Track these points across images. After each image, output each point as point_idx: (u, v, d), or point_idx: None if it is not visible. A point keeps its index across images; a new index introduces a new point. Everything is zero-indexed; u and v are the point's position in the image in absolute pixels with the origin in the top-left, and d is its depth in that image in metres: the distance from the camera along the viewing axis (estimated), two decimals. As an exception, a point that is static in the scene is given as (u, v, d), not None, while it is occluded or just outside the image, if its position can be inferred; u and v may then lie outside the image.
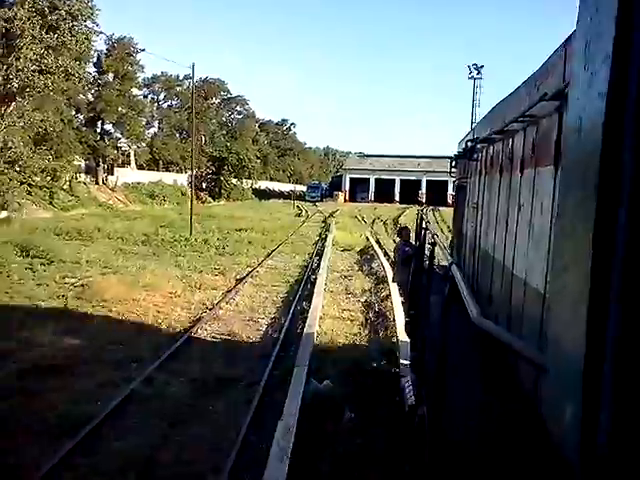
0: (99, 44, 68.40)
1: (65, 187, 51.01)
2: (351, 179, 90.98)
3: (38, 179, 44.49)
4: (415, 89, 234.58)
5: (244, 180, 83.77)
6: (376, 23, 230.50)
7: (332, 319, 13.18)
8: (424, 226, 7.23)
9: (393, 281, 12.55)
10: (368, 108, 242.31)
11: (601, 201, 1.01)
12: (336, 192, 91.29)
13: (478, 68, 56.74)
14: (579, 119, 1.17)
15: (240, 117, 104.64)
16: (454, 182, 11.59)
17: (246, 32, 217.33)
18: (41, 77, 41.93)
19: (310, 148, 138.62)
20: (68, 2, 43.18)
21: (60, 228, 28.97)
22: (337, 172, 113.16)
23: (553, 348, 1.28)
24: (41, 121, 44.47)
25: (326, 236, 32.85)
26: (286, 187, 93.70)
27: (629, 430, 0.97)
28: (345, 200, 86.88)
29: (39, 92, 42.25)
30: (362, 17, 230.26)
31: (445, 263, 5.06)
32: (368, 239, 31.40)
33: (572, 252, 1.17)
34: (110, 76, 62.68)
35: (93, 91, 61.94)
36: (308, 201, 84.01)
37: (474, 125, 9.62)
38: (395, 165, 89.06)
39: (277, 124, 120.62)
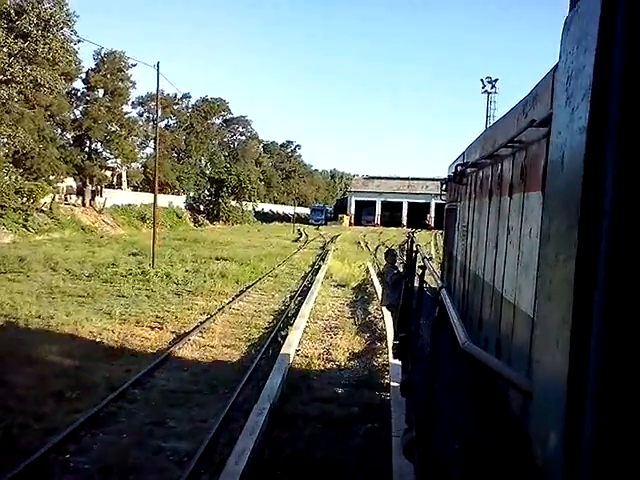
0: (84, 56, 64.68)
1: (45, 209, 46.60)
2: (357, 202, 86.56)
3: (14, 201, 40.42)
4: (426, 108, 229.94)
5: (244, 202, 79.45)
6: (383, 42, 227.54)
7: (290, 422, 8.16)
8: (414, 249, 7.55)
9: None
10: (376, 130, 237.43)
11: (582, 232, 1.03)
12: (341, 215, 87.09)
13: (492, 82, 52.03)
14: (561, 153, 1.21)
15: (242, 138, 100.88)
16: (445, 205, 11.06)
17: (249, 53, 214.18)
18: (4, 87, 37.69)
19: (316, 170, 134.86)
20: (38, 6, 39.06)
21: (1, 257, 24.30)
22: (344, 195, 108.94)
23: (537, 374, 1.33)
24: (9, 136, 40.27)
25: (320, 267, 27.92)
26: (290, 210, 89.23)
27: (611, 457, 0.98)
28: (350, 223, 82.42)
29: (2, 103, 37.99)
30: (368, 35, 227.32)
31: (436, 285, 5.07)
32: (368, 271, 26.42)
33: (555, 280, 1.20)
34: (100, 92, 58.69)
35: (81, 108, 58.08)
36: (312, 224, 79.65)
37: (464, 150, 8.69)
38: (403, 187, 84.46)
39: (282, 146, 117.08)
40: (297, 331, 13.39)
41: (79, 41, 44.44)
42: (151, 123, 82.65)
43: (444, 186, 10.51)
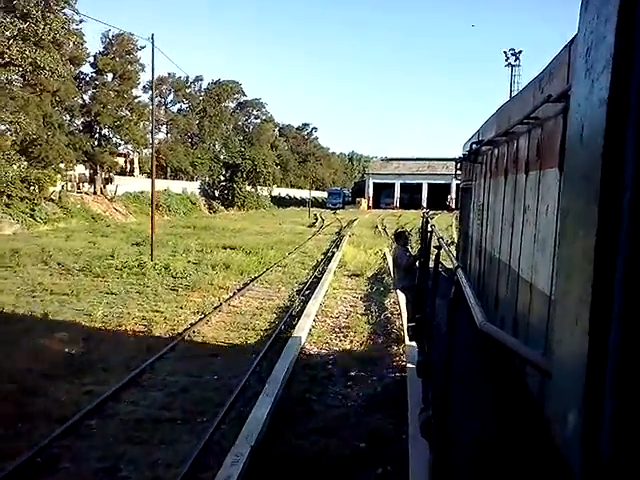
0: (92, 40, 63.04)
1: (54, 198, 45.41)
2: (375, 184, 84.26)
3: (20, 190, 39.18)
4: (447, 86, 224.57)
5: (259, 187, 77.59)
6: (399, 19, 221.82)
7: (277, 466, 6.31)
8: (429, 229, 7.52)
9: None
10: (396, 110, 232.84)
11: (603, 208, 1.01)
12: (359, 198, 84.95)
13: (516, 54, 49.00)
14: (581, 125, 1.17)
15: (257, 121, 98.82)
16: (459, 184, 10.63)
17: (264, 36, 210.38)
18: (3, 70, 36.14)
19: (334, 153, 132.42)
20: (36, -16, 37.25)
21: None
22: (362, 177, 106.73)
23: (557, 353, 1.25)
24: (10, 122, 38.86)
25: (333, 254, 26.03)
26: (307, 194, 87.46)
27: (632, 439, 0.96)
28: (369, 207, 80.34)
29: (1, 87, 36.48)
30: (384, 13, 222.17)
31: (451, 266, 4.70)
32: (385, 258, 24.46)
33: (575, 258, 1.16)
34: (109, 77, 57.09)
35: (90, 93, 56.60)
36: (329, 208, 77.73)
37: (479, 128, 8.20)
38: (422, 168, 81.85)
39: (298, 129, 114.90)
40: (300, 334, 11.53)
41: (81, 21, 42.80)
42: (163, 107, 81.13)
43: (459, 165, 10.21)
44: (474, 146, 7.93)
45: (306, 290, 17.16)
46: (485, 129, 7.78)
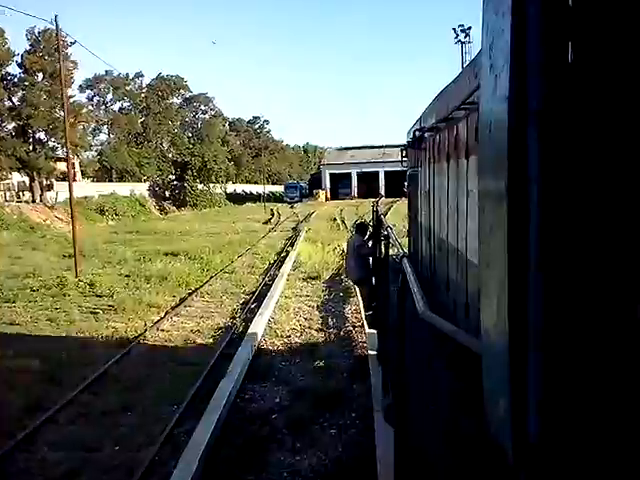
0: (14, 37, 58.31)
1: (-15, 210, 41.79)
2: (331, 175, 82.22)
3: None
4: (401, 67, 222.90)
5: (212, 185, 74.27)
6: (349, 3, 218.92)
7: None
8: (379, 219, 8.57)
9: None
10: (349, 97, 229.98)
11: (512, 202, 1.01)
12: (316, 190, 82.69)
13: (465, 30, 47.13)
14: (489, 122, 1.17)
15: (206, 117, 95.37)
16: (406, 172, 10.57)
17: (204, 29, 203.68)
18: None
19: (288, 146, 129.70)
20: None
21: None
22: (318, 169, 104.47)
23: (484, 341, 1.28)
24: None
25: (288, 254, 23.64)
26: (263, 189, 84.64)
27: (558, 418, 0.98)
28: (327, 198, 78.21)
29: None
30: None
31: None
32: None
33: (491, 250, 1.18)
34: (39, 76, 53.12)
35: (19, 95, 52.65)
36: (287, 202, 75.27)
37: (420, 114, 8.13)
38: (378, 156, 79.98)
39: (249, 122, 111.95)
40: (237, 370, 9.06)
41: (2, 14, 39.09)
42: (103, 107, 76.92)
43: (404, 152, 10.39)
44: (417, 133, 7.85)
45: (253, 303, 14.68)
46: (426, 115, 7.69)
